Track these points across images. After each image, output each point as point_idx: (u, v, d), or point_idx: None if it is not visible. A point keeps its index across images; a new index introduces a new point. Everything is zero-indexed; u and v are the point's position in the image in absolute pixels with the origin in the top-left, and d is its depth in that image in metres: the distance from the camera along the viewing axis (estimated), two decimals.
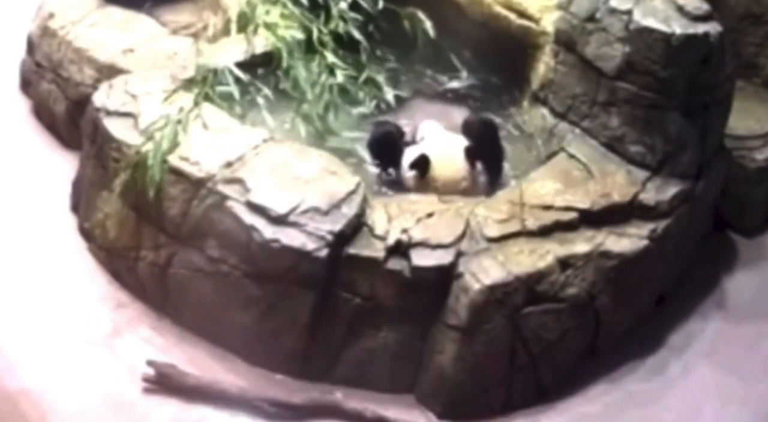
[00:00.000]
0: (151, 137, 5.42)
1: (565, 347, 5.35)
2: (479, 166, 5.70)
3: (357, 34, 6.06)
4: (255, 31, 5.99)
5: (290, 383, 5.32)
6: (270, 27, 5.95)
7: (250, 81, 5.82)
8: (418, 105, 6.24)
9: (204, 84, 5.73)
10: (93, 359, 5.38)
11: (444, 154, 5.68)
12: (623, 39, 5.53)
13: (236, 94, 5.76)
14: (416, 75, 6.39)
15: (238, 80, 5.77)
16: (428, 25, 6.12)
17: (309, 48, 5.96)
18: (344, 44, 6.07)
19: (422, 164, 5.64)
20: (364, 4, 6.09)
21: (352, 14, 6.05)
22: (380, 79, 6.13)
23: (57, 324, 5.51)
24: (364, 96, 6.06)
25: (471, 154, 5.67)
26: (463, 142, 5.73)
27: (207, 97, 5.69)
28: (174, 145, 5.40)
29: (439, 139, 5.80)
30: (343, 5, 6.07)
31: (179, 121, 5.49)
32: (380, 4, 6.11)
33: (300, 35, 5.93)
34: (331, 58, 5.92)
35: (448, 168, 5.67)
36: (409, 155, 5.72)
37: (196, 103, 5.61)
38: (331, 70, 5.92)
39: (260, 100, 5.80)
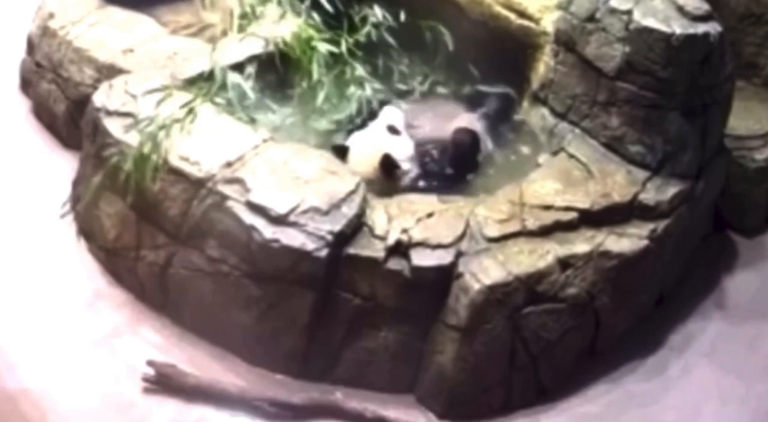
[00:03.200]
0: (151, 137, 5.41)
1: (565, 347, 5.35)
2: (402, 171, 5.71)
3: (391, 40, 6.08)
4: (265, 42, 5.99)
5: (290, 383, 5.32)
6: (300, 40, 5.93)
7: (251, 85, 5.82)
8: (421, 107, 6.24)
9: (203, 84, 5.73)
10: (93, 359, 5.38)
11: (363, 152, 5.72)
12: (623, 39, 5.53)
13: (234, 97, 5.75)
14: (423, 78, 6.40)
15: (237, 82, 5.77)
16: (448, 36, 6.12)
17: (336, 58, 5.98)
18: (361, 48, 6.09)
19: (341, 153, 5.69)
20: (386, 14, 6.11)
21: (381, 22, 6.07)
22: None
23: (57, 324, 5.51)
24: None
25: (387, 164, 5.67)
26: (394, 145, 5.73)
27: (207, 98, 5.69)
28: (173, 144, 5.40)
29: (378, 133, 5.80)
30: (371, 15, 6.07)
31: (178, 121, 5.49)
32: (402, 16, 6.11)
33: (333, 49, 5.91)
34: (360, 71, 5.95)
35: (363, 165, 5.68)
36: (357, 137, 5.78)
37: (196, 104, 5.61)
38: (360, 83, 5.94)
39: (271, 118, 5.82)
